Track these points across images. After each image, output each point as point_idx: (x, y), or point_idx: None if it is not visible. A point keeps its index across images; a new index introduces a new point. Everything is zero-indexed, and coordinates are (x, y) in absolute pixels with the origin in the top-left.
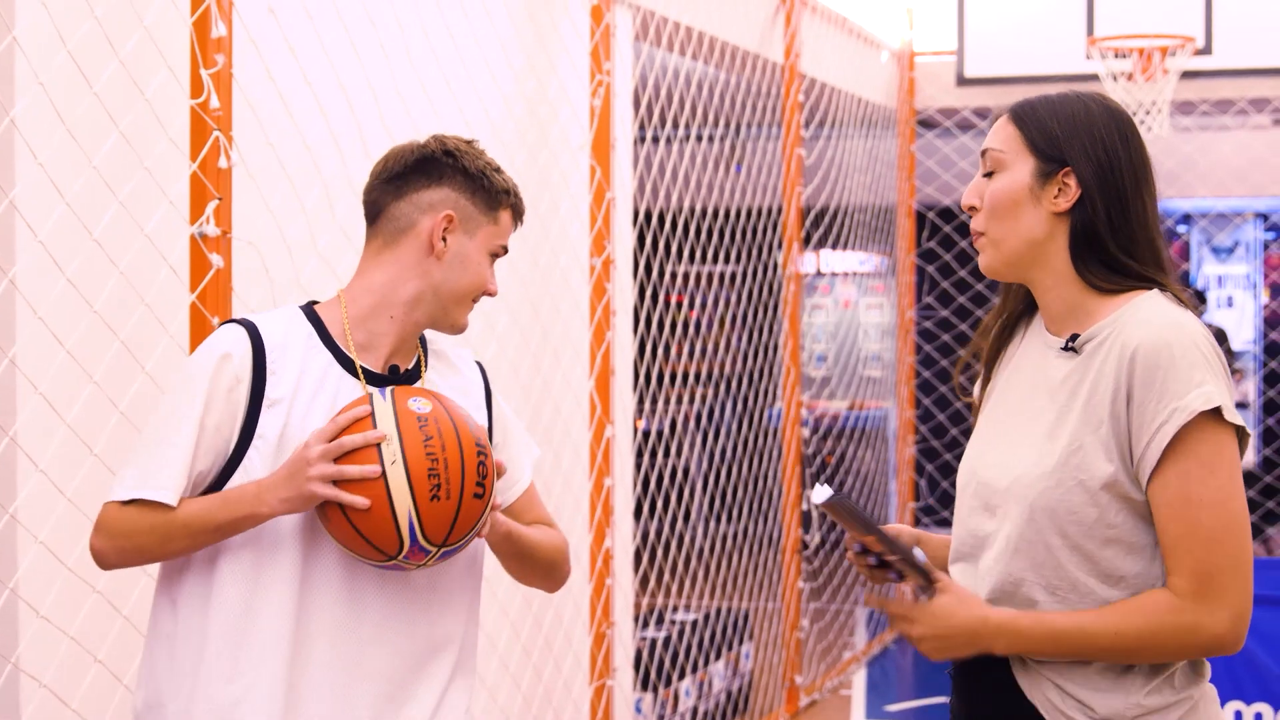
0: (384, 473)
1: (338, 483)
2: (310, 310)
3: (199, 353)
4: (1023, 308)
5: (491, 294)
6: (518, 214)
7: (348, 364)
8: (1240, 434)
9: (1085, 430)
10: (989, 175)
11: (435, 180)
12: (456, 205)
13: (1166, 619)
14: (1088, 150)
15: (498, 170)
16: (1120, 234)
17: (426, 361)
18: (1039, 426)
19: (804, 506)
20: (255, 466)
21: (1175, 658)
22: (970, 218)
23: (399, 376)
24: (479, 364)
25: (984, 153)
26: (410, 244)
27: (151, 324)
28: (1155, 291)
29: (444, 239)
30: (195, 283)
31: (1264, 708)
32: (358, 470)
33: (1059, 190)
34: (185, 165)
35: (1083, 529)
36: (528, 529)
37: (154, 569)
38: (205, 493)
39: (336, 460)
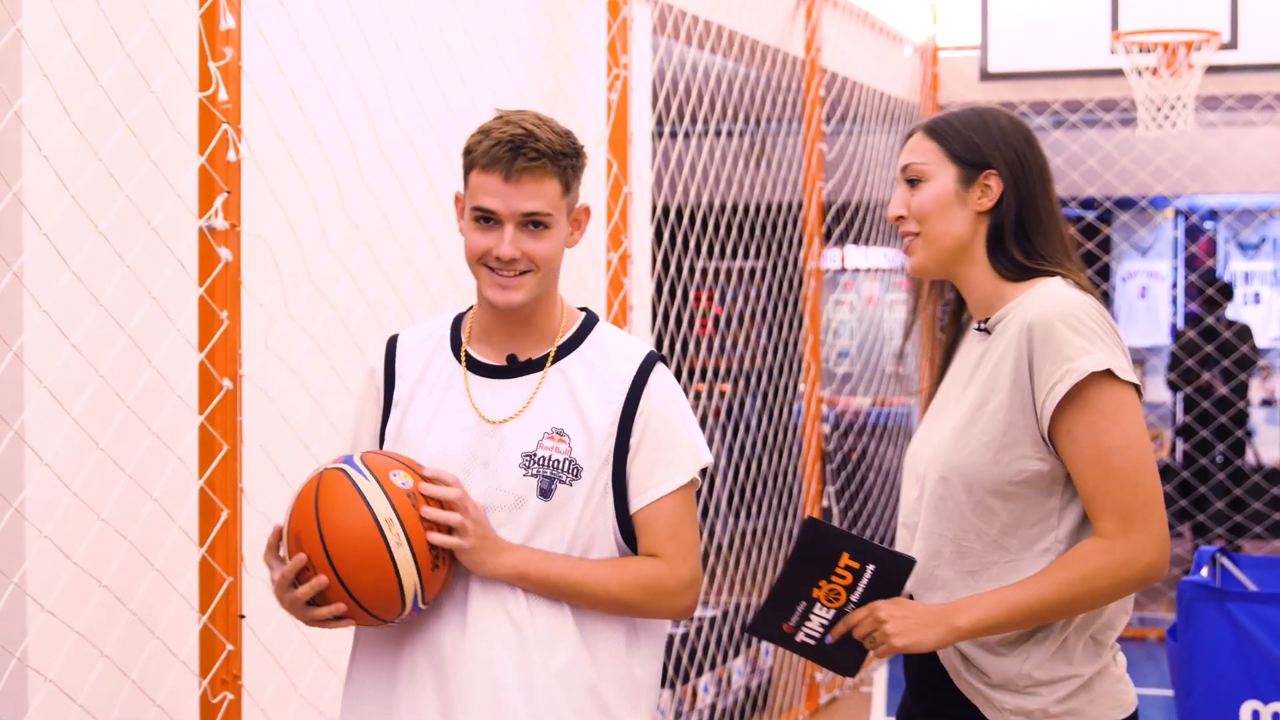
0: (390, 554)
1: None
2: (461, 314)
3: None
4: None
5: (498, 256)
6: (488, 166)
7: (468, 358)
8: (1138, 392)
9: (988, 397)
10: (913, 185)
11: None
12: (464, 185)
13: (1102, 560)
14: (1003, 154)
15: (483, 133)
16: (1029, 228)
17: (570, 351)
18: (960, 402)
19: (824, 503)
20: None
21: (1116, 595)
22: (900, 227)
23: (517, 366)
24: (650, 355)
25: (904, 168)
26: None
27: (159, 318)
28: (1056, 278)
29: (461, 221)
30: (203, 276)
31: None
32: (328, 612)
33: (981, 192)
34: (193, 158)
35: (985, 485)
36: (579, 564)
37: (160, 562)
38: None
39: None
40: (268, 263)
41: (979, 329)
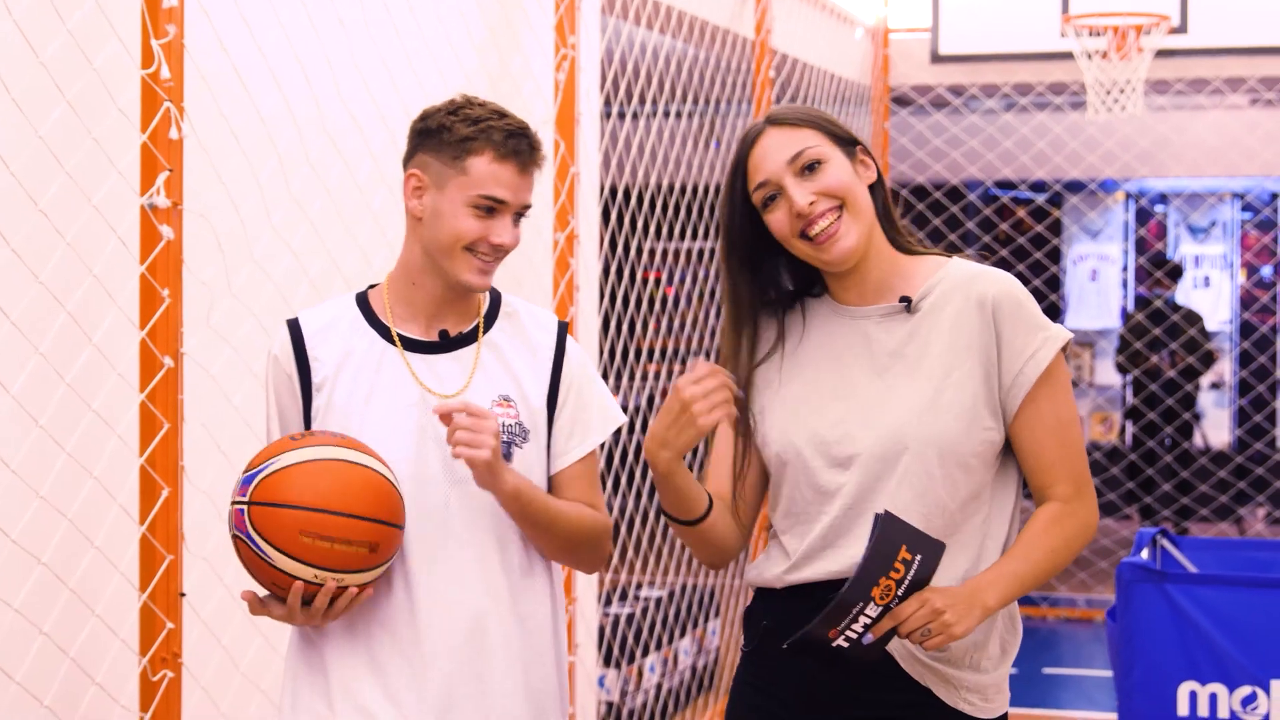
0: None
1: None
2: (362, 295)
3: (266, 362)
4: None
5: (492, 244)
6: (505, 156)
7: (391, 337)
8: None
9: (949, 371)
10: (810, 171)
11: (412, 149)
12: (422, 165)
13: (1071, 525)
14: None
15: (473, 121)
16: (889, 199)
17: (492, 323)
18: (891, 382)
19: None
20: None
21: (1077, 553)
22: (804, 224)
23: (449, 341)
24: (562, 324)
25: (795, 157)
26: (409, 214)
27: (99, 296)
28: (954, 255)
29: (418, 200)
30: (145, 254)
31: (1219, 688)
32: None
33: (863, 168)
34: (135, 136)
35: (956, 457)
36: (551, 498)
37: (100, 540)
38: None
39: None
40: (209, 240)
41: (907, 309)
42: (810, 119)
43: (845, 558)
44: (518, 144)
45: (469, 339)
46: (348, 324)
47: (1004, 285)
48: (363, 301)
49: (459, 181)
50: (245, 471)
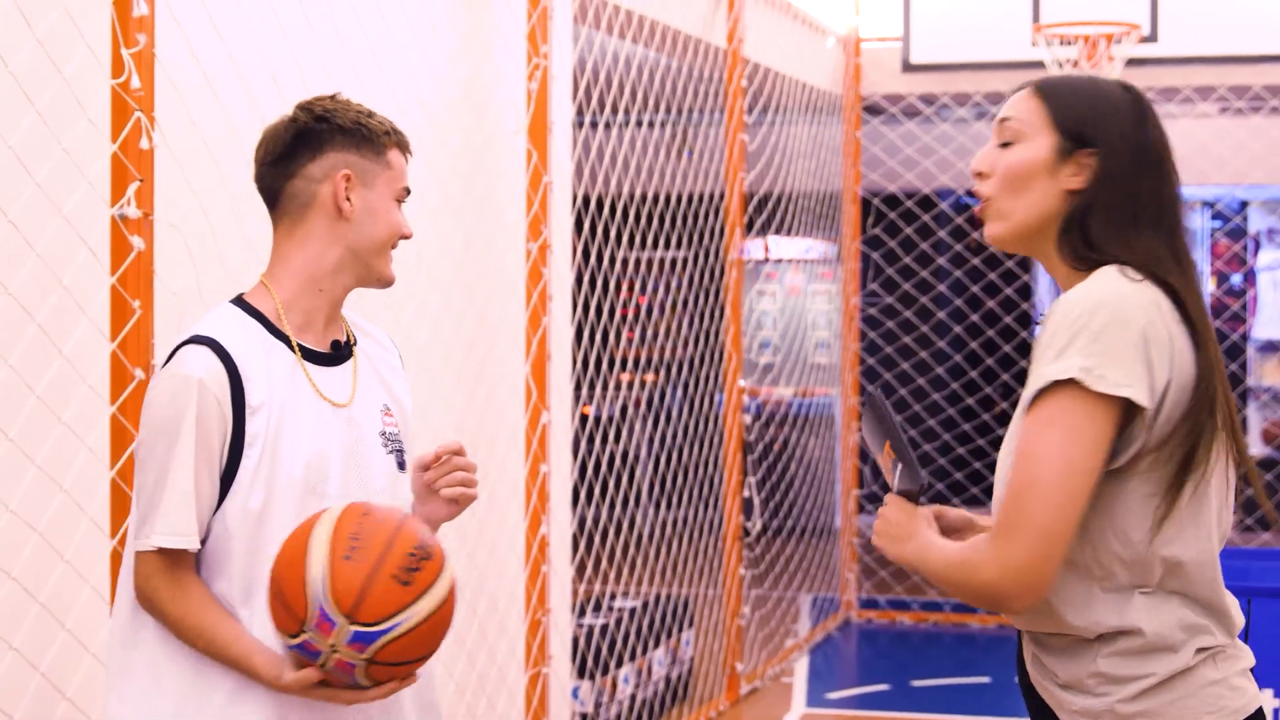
0: (311, 530)
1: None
2: (245, 305)
3: (170, 386)
4: None
5: (407, 236)
6: (405, 149)
7: (302, 349)
8: (1133, 408)
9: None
10: (1005, 145)
11: (318, 148)
12: (348, 163)
13: (969, 553)
14: (1108, 134)
15: (370, 115)
16: (1117, 216)
17: (356, 335)
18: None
19: (745, 493)
20: (249, 473)
21: (967, 597)
22: (976, 184)
23: (341, 350)
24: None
25: (1001, 121)
26: (318, 215)
27: (70, 307)
28: (1112, 267)
29: (348, 199)
30: (115, 265)
31: None
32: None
33: (1075, 169)
34: (105, 146)
35: None
36: None
37: (70, 554)
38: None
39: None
40: (181, 251)
41: (1036, 322)
42: (1050, 93)
43: None
44: (404, 136)
45: (349, 349)
46: (256, 336)
47: (1053, 311)
48: (252, 310)
49: (387, 176)
50: (358, 622)
